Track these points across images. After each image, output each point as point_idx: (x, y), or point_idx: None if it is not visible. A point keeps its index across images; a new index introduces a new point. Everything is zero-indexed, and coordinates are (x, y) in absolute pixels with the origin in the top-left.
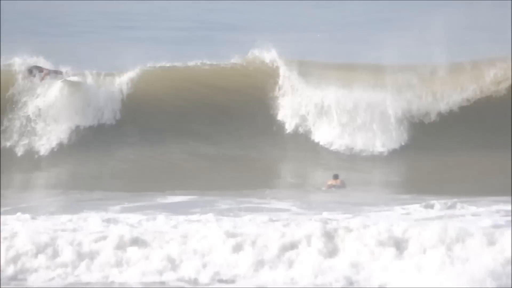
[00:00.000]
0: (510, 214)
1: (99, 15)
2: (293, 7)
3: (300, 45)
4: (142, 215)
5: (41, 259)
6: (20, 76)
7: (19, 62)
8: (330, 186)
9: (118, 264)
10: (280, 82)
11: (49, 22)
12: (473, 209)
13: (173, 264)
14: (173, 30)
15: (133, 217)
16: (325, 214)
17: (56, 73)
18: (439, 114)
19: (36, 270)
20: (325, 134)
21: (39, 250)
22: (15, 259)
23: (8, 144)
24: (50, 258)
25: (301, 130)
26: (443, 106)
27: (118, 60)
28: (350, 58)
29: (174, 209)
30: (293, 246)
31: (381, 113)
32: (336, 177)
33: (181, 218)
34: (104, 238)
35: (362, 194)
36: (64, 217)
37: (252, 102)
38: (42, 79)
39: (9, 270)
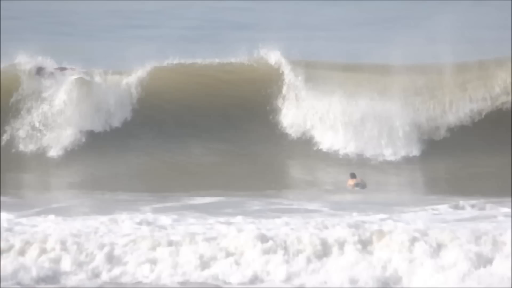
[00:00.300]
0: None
1: (107, 14)
2: (303, 6)
3: (307, 44)
4: (173, 216)
5: (73, 260)
6: (28, 75)
7: (25, 61)
8: (354, 186)
9: (151, 265)
10: (284, 86)
11: (56, 21)
12: (504, 210)
13: (205, 266)
14: (182, 28)
15: (165, 218)
16: (358, 215)
17: (62, 70)
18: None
19: (67, 272)
20: (331, 141)
21: (70, 251)
22: (45, 261)
23: (26, 144)
24: (81, 260)
25: (306, 136)
26: (452, 115)
27: (127, 58)
28: (358, 58)
29: (204, 209)
30: (327, 248)
31: (389, 124)
32: (353, 176)
33: (212, 219)
34: (136, 239)
35: (388, 195)
36: (96, 218)
37: (258, 102)
38: (50, 77)
39: (41, 272)
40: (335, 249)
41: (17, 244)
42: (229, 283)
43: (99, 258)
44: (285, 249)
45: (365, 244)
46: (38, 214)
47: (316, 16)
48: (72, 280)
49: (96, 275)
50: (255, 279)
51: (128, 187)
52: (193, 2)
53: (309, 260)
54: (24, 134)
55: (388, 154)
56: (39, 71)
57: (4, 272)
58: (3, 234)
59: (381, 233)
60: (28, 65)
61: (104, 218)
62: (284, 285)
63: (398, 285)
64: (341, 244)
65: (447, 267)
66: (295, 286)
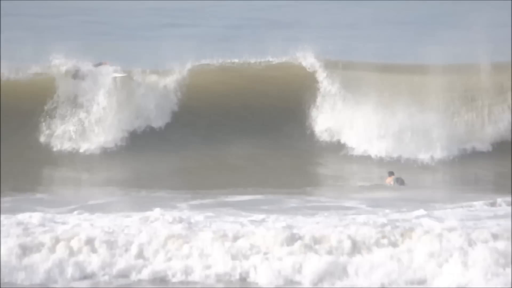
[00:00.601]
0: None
1: (146, 12)
2: (341, 5)
3: (345, 43)
4: (208, 213)
5: (111, 256)
6: (63, 77)
7: (61, 62)
8: (392, 182)
9: (185, 260)
10: (320, 88)
11: (94, 20)
12: None
13: (235, 263)
14: (220, 27)
15: (199, 215)
16: (394, 212)
17: (97, 66)
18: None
19: (104, 267)
20: (366, 146)
21: (103, 248)
22: (77, 258)
23: (64, 143)
24: (120, 256)
25: (342, 138)
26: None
27: (166, 57)
28: (395, 58)
29: (240, 207)
30: (359, 246)
31: (425, 128)
32: (391, 173)
33: (247, 216)
34: (172, 235)
35: (423, 192)
36: (131, 215)
37: (294, 103)
38: (87, 77)
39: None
40: (368, 247)
41: (49, 241)
42: (256, 282)
43: (133, 255)
44: (317, 247)
45: (397, 242)
46: (72, 211)
47: (353, 15)
48: (104, 278)
49: (129, 272)
50: (284, 278)
51: (165, 185)
52: (231, 1)
53: (340, 258)
54: (62, 132)
55: (425, 158)
56: (76, 74)
57: (36, 269)
58: (36, 230)
59: (415, 231)
60: (64, 66)
61: (139, 215)
62: (311, 285)
63: (429, 283)
64: (375, 242)
65: (474, 265)
66: (325, 286)
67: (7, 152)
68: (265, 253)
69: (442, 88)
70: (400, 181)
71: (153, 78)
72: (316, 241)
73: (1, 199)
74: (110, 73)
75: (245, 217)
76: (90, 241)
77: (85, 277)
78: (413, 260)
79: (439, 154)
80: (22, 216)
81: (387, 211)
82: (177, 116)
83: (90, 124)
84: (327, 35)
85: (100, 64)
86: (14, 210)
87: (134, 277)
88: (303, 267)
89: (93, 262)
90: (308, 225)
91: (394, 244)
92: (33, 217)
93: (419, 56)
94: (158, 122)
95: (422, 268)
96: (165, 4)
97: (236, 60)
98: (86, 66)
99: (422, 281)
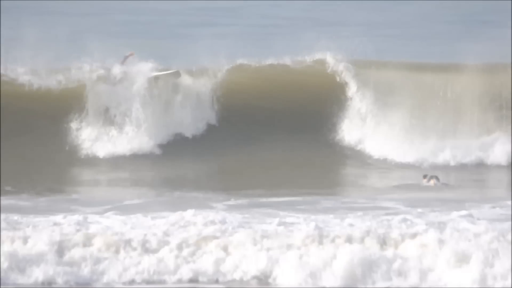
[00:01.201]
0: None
1: (185, 11)
2: (381, 4)
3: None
4: (244, 214)
5: (146, 256)
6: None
7: (92, 69)
8: (430, 181)
9: (222, 262)
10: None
11: (132, 20)
12: None
13: (268, 263)
14: (258, 26)
15: (235, 216)
16: (431, 212)
17: (125, 59)
18: None
19: (139, 267)
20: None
21: (143, 248)
22: (120, 258)
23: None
24: (154, 256)
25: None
26: None
27: (203, 57)
28: (429, 57)
29: (276, 207)
30: (398, 245)
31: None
32: (425, 177)
33: (285, 217)
34: (209, 236)
35: (462, 192)
36: (171, 216)
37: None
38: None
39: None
40: (403, 247)
41: (85, 240)
42: (290, 283)
43: (167, 255)
44: (353, 247)
45: (434, 242)
46: (107, 211)
47: (391, 13)
48: (138, 278)
49: (164, 273)
50: (318, 278)
51: (200, 186)
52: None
53: (376, 258)
54: (96, 136)
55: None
56: (109, 78)
57: (72, 269)
58: (72, 230)
59: (456, 230)
60: (96, 72)
61: (174, 216)
62: (345, 286)
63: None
64: (412, 242)
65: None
66: (359, 286)
67: (43, 155)
68: (300, 254)
69: (477, 89)
70: (436, 179)
71: (189, 78)
72: (352, 241)
73: (38, 200)
74: (146, 73)
75: (281, 217)
76: (124, 241)
77: (119, 277)
78: (449, 261)
79: (472, 159)
80: (57, 216)
81: (421, 210)
82: (213, 118)
83: (124, 127)
84: (364, 34)
85: (126, 57)
86: (50, 210)
87: (169, 278)
88: (338, 267)
89: (127, 262)
90: (343, 225)
91: (429, 244)
92: (69, 217)
93: (456, 55)
94: (194, 125)
95: (458, 267)
96: (203, 3)
97: (272, 61)
98: (117, 69)
99: (458, 282)
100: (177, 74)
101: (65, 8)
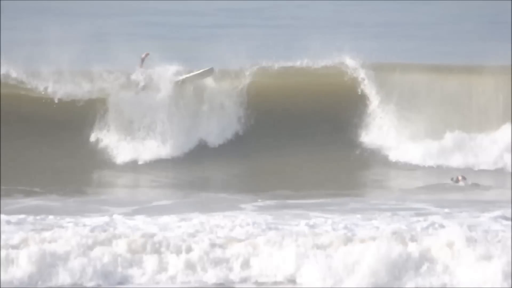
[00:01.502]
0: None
1: (211, 12)
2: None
3: (400, 44)
4: (272, 215)
5: (173, 257)
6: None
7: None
8: (460, 181)
9: (249, 263)
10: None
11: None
12: None
13: (295, 264)
14: (283, 27)
15: (263, 217)
16: (462, 213)
17: (142, 61)
18: None
19: (167, 268)
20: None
21: (171, 249)
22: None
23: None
24: (182, 257)
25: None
26: None
27: (229, 58)
28: (450, 58)
29: (306, 208)
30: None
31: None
32: (452, 179)
33: (313, 218)
34: (237, 237)
35: (488, 193)
36: (196, 217)
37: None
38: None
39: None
40: (431, 248)
41: (113, 241)
42: (318, 283)
43: (195, 256)
44: (379, 248)
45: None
46: (136, 212)
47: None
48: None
49: (191, 274)
50: (342, 278)
51: (229, 188)
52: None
53: (399, 260)
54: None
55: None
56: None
57: (90, 269)
58: (97, 231)
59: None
60: (121, 72)
61: (202, 217)
62: (373, 286)
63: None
64: (440, 243)
65: None
66: (383, 287)
67: (71, 160)
68: (328, 254)
69: (503, 90)
70: (464, 179)
71: (213, 82)
72: (379, 241)
73: (67, 200)
74: (170, 77)
75: (309, 218)
76: (152, 243)
77: (147, 278)
78: (477, 262)
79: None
80: (87, 217)
81: (448, 210)
82: (240, 123)
83: (149, 135)
84: (384, 36)
85: (143, 59)
86: (79, 211)
87: (197, 279)
88: (366, 268)
89: (154, 263)
90: (371, 226)
91: (457, 245)
92: (97, 218)
93: (478, 56)
94: (220, 132)
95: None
96: (230, 4)
97: (293, 64)
98: (139, 74)
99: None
100: (210, 71)
101: (88, 8)
